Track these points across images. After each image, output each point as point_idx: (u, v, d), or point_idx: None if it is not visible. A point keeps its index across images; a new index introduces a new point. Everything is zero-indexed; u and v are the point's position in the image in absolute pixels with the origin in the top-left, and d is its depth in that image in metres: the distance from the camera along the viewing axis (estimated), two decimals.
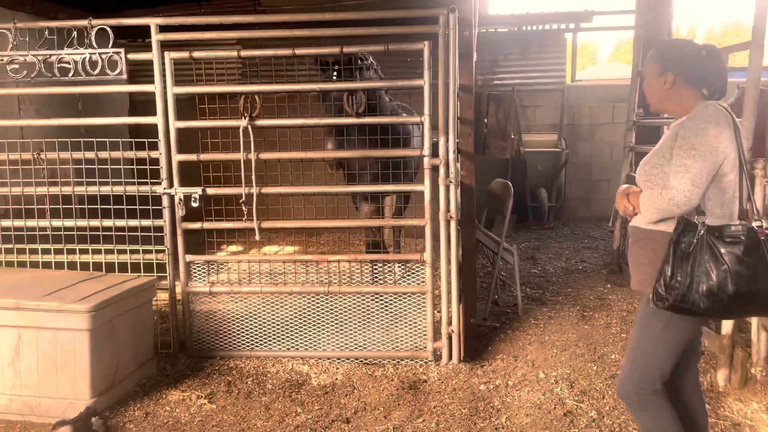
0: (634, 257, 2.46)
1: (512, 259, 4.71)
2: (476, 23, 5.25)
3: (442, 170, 4.01)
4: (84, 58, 4.08)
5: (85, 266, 4.30)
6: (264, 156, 4.14)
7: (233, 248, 5.93)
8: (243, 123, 4.06)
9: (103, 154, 4.22)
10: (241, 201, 4.12)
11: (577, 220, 8.80)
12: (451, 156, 4.00)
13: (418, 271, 4.18)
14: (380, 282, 4.30)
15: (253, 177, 4.10)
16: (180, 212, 4.16)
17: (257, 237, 4.19)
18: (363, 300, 4.25)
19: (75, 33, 4.05)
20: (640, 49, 6.00)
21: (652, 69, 2.42)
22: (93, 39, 4.06)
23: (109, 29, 4.05)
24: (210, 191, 4.19)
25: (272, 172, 4.33)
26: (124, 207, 4.23)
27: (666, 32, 6.32)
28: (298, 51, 3.98)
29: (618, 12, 8.94)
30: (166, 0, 7.10)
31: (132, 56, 4.11)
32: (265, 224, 4.22)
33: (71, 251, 4.32)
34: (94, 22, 4.05)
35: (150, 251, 4.26)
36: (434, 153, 4.03)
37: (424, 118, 3.96)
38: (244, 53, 4.05)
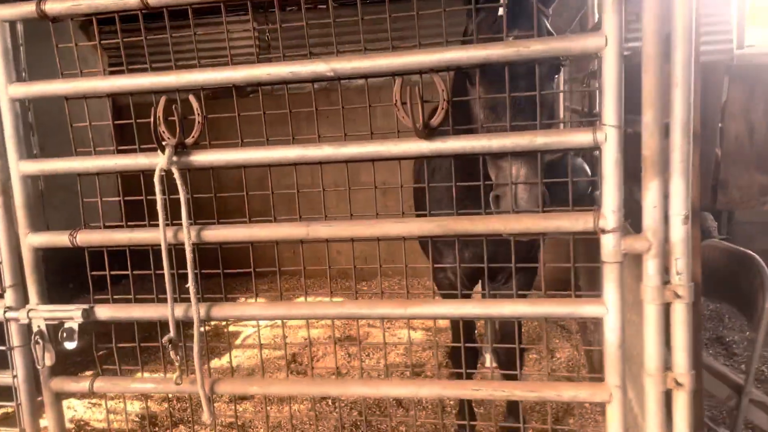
0: None
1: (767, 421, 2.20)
2: None
3: (650, 265, 1.54)
4: None
5: None
6: (210, 235, 1.80)
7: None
8: (161, 161, 1.73)
9: None
10: (165, 339, 1.79)
11: None
12: (679, 231, 1.52)
13: None
14: None
15: (191, 280, 1.77)
16: (44, 360, 1.87)
17: (206, 417, 1.83)
18: None
19: None
20: None
21: None
22: None
23: None
24: (102, 313, 1.88)
25: (238, 255, 1.97)
26: None
27: None
28: None
29: None
30: None
31: None
32: (222, 386, 1.87)
33: None
34: None
35: None
36: (631, 218, 1.61)
37: (603, 132, 1.52)
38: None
